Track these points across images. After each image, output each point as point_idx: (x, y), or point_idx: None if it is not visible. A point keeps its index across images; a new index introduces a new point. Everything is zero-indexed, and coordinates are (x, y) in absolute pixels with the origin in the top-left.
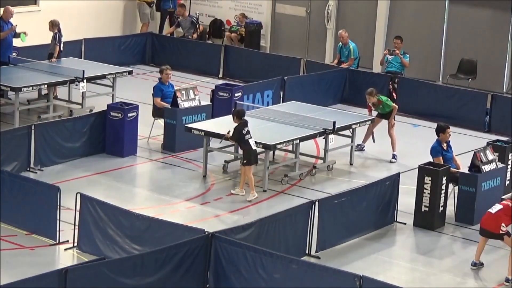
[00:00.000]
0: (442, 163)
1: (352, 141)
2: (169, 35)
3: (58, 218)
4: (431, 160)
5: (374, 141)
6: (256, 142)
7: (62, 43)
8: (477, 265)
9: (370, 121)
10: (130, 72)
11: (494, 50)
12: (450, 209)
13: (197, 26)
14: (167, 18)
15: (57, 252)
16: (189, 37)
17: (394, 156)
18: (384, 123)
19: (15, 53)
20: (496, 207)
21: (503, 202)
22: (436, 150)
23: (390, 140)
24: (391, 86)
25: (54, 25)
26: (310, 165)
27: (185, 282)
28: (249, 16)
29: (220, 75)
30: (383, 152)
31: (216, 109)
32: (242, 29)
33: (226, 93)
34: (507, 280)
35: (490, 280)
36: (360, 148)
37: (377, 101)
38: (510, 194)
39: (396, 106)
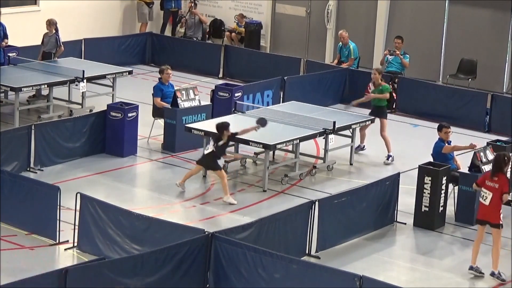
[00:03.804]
0: (457, 146)
1: (352, 141)
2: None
3: (58, 218)
4: (431, 160)
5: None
6: (256, 142)
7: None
8: (474, 269)
9: (370, 121)
10: (130, 72)
11: (494, 50)
12: (450, 209)
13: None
14: (170, 18)
15: (57, 252)
16: (195, 38)
17: (389, 157)
18: (378, 125)
19: (14, 53)
20: (487, 196)
21: (488, 185)
22: (439, 145)
23: (384, 142)
24: (391, 86)
25: (51, 24)
26: (310, 165)
27: (185, 282)
28: (249, 16)
29: (220, 75)
30: (384, 152)
31: (216, 109)
32: (242, 29)
33: (226, 93)
34: (492, 274)
35: (490, 280)
36: (361, 148)
37: (381, 81)
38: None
39: (388, 96)
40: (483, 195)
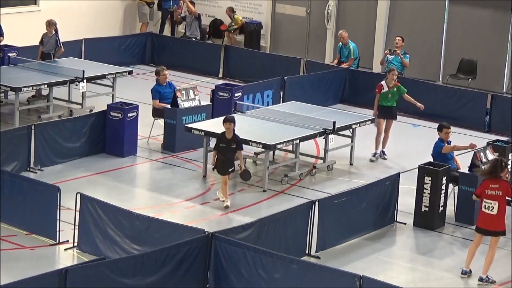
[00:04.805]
0: (457, 146)
1: (352, 141)
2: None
3: (58, 218)
4: (431, 160)
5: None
6: (256, 142)
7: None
8: (467, 273)
9: (369, 121)
10: (130, 72)
11: (494, 50)
12: (450, 209)
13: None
14: (168, 18)
15: (57, 252)
16: (193, 38)
17: (382, 153)
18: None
19: (14, 53)
20: (494, 206)
21: (491, 195)
22: (439, 146)
23: (383, 137)
24: None
25: (51, 25)
26: (310, 165)
27: (185, 282)
28: (249, 16)
29: (220, 75)
30: (387, 152)
31: (216, 109)
32: (237, 18)
33: (226, 93)
34: (481, 279)
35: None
36: (383, 155)
37: (396, 81)
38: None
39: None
40: (488, 206)
